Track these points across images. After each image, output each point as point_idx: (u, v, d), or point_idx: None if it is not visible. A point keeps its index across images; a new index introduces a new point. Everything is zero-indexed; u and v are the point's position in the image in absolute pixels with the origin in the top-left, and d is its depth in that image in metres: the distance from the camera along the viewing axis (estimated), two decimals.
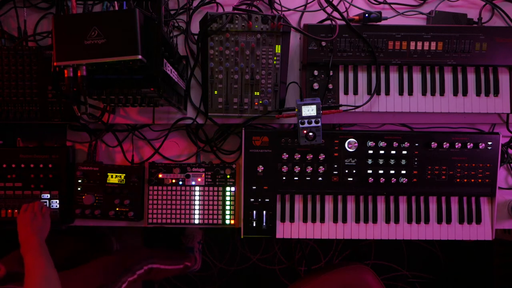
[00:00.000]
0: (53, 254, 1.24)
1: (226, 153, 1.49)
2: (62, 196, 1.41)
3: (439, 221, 1.40)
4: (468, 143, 1.36)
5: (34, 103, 1.36)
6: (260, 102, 1.35)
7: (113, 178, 1.41)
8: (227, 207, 1.44)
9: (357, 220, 1.39)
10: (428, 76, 1.38)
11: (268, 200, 1.37)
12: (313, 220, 1.40)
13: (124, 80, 1.00)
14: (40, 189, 1.40)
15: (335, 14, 1.34)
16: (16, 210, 1.39)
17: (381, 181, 1.37)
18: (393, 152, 1.37)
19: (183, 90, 1.37)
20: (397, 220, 1.40)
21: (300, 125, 1.28)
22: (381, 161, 1.37)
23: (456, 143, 1.36)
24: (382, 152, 1.37)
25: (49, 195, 1.41)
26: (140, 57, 0.90)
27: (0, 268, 1.31)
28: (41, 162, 1.40)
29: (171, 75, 1.12)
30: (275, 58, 1.31)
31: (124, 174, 1.41)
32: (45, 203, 1.39)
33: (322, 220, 1.40)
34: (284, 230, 1.39)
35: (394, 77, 1.38)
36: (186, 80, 1.41)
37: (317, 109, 1.28)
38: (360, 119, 1.45)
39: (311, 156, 1.36)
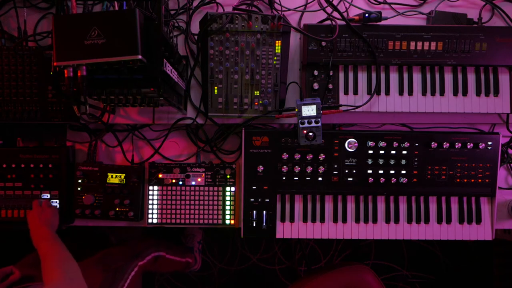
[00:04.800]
0: None
1: (226, 153, 1.49)
2: (62, 196, 1.41)
3: (439, 221, 1.40)
4: (468, 143, 1.36)
5: (34, 103, 1.36)
6: (260, 102, 1.35)
7: (113, 178, 1.41)
8: (227, 207, 1.44)
9: (357, 220, 1.40)
10: (428, 76, 1.38)
11: (268, 200, 1.37)
12: (313, 220, 1.40)
13: (124, 80, 1.00)
14: (40, 189, 1.40)
15: (335, 14, 1.34)
16: (16, 210, 1.39)
17: (381, 181, 1.37)
18: (393, 152, 1.37)
19: (183, 90, 1.37)
20: (397, 220, 1.40)
21: (300, 125, 1.28)
22: (381, 161, 1.37)
23: (456, 143, 1.36)
24: (382, 152, 1.37)
25: (49, 195, 1.41)
26: (140, 57, 0.90)
27: (15, 272, 1.31)
28: (41, 162, 1.40)
29: (171, 75, 1.12)
30: (275, 58, 1.31)
31: (124, 174, 1.41)
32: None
33: (322, 220, 1.40)
34: (284, 230, 1.39)
35: (394, 77, 1.38)
36: (186, 80, 1.41)
37: (317, 109, 1.27)
38: (360, 119, 1.45)
39: (311, 156, 1.36)
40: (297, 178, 1.37)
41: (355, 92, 1.37)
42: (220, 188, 1.44)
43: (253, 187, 1.37)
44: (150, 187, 1.44)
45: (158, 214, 1.43)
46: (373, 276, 1.41)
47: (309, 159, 1.37)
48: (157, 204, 1.44)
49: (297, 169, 1.36)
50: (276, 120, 1.44)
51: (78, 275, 1.15)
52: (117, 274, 1.42)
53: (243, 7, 1.38)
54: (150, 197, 1.44)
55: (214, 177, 1.44)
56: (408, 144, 1.37)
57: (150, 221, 1.44)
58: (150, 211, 1.44)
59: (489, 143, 1.37)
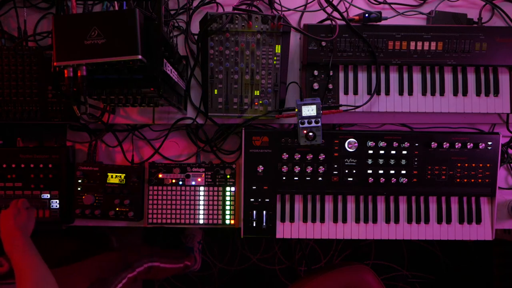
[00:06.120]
0: (53, 254, 1.23)
1: (226, 153, 1.49)
2: (62, 196, 1.41)
3: (439, 221, 1.40)
4: (468, 143, 1.36)
5: (34, 103, 1.36)
6: (260, 102, 1.35)
7: (113, 178, 1.41)
8: (227, 207, 1.44)
9: (357, 220, 1.39)
10: (428, 76, 1.38)
11: (268, 200, 1.37)
12: (313, 220, 1.40)
13: (124, 80, 1.00)
14: (40, 189, 1.40)
15: (335, 14, 1.34)
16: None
17: (381, 181, 1.37)
18: (393, 152, 1.37)
19: (183, 90, 1.37)
20: (397, 220, 1.40)
21: (300, 125, 1.28)
22: (381, 161, 1.37)
23: (456, 143, 1.36)
24: (382, 152, 1.37)
25: (49, 195, 1.41)
26: (140, 57, 0.90)
27: (3, 264, 1.30)
28: (41, 162, 1.40)
29: (171, 75, 1.12)
30: (275, 58, 1.31)
31: (124, 174, 1.41)
32: (44, 203, 1.39)
33: (322, 220, 1.40)
34: (284, 230, 1.39)
35: (394, 77, 1.38)
36: (186, 80, 1.41)
37: (317, 109, 1.28)
38: (360, 119, 1.45)
39: (311, 156, 1.36)
40: (297, 178, 1.37)
41: (355, 92, 1.37)
42: (220, 188, 1.44)
43: (253, 187, 1.37)
44: (150, 187, 1.44)
45: (158, 214, 1.43)
46: (373, 276, 1.41)
47: (309, 159, 1.37)
48: (157, 204, 1.43)
49: (297, 169, 1.36)
50: (276, 120, 1.44)
51: None
52: (103, 286, 1.39)
53: (243, 7, 1.38)
54: (150, 197, 1.44)
55: (214, 177, 1.44)
56: (408, 144, 1.37)
57: (150, 221, 1.44)
58: (150, 211, 1.44)
59: (489, 143, 1.37)
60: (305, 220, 1.39)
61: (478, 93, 1.38)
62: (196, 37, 1.40)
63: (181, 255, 2.05)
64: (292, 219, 1.39)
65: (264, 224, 1.37)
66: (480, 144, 1.36)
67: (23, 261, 1.12)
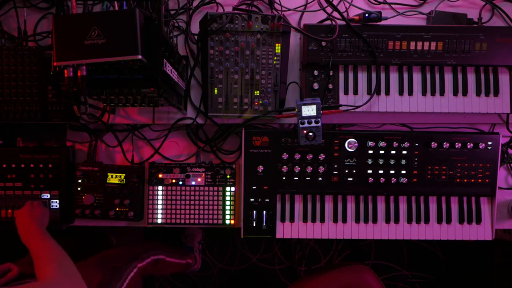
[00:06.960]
0: None
1: (226, 153, 1.49)
2: (62, 196, 1.41)
3: (439, 221, 1.40)
4: (468, 143, 1.36)
5: (34, 103, 1.36)
6: (260, 102, 1.35)
7: (113, 178, 1.41)
8: (227, 207, 1.44)
9: (357, 220, 1.39)
10: (428, 76, 1.38)
11: (268, 200, 1.37)
12: (313, 220, 1.40)
13: (124, 80, 1.00)
14: (40, 189, 1.40)
15: (335, 14, 1.34)
16: (16, 210, 1.39)
17: (381, 181, 1.37)
18: (393, 152, 1.37)
19: (183, 90, 1.37)
20: (397, 220, 1.40)
21: (300, 125, 1.28)
22: (381, 161, 1.37)
23: (456, 143, 1.36)
24: (382, 152, 1.37)
25: (49, 195, 1.41)
26: (140, 57, 0.90)
27: (13, 269, 1.30)
28: (41, 162, 1.40)
29: (171, 75, 1.12)
30: (275, 58, 1.31)
31: (124, 174, 1.41)
32: (45, 203, 1.39)
33: (322, 220, 1.40)
34: (284, 230, 1.39)
35: (394, 77, 1.38)
36: (186, 80, 1.41)
37: (317, 109, 1.28)
38: (360, 119, 1.45)
39: (311, 156, 1.36)
40: (297, 178, 1.37)
41: (355, 92, 1.37)
42: (220, 188, 1.44)
43: (253, 187, 1.37)
44: (150, 187, 1.44)
45: (158, 214, 1.43)
46: (373, 276, 1.41)
47: (309, 159, 1.37)
48: (157, 204, 1.43)
49: (297, 169, 1.36)
50: (276, 120, 1.44)
51: (74, 271, 1.11)
52: (115, 274, 1.41)
53: (243, 7, 1.38)
54: (150, 197, 1.44)
55: (214, 177, 1.44)
56: (408, 144, 1.37)
57: (150, 221, 1.44)
58: (150, 211, 1.44)
59: (489, 143, 1.37)
60: (305, 220, 1.39)
61: (478, 93, 1.38)
62: (196, 37, 1.40)
63: (183, 252, 2.06)
64: (292, 219, 1.39)
65: (264, 224, 1.37)
66: (480, 144, 1.36)
67: (42, 245, 1.15)
